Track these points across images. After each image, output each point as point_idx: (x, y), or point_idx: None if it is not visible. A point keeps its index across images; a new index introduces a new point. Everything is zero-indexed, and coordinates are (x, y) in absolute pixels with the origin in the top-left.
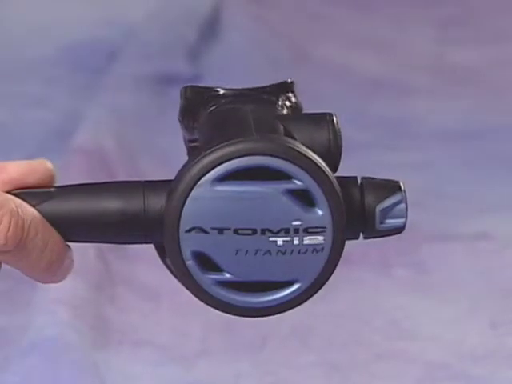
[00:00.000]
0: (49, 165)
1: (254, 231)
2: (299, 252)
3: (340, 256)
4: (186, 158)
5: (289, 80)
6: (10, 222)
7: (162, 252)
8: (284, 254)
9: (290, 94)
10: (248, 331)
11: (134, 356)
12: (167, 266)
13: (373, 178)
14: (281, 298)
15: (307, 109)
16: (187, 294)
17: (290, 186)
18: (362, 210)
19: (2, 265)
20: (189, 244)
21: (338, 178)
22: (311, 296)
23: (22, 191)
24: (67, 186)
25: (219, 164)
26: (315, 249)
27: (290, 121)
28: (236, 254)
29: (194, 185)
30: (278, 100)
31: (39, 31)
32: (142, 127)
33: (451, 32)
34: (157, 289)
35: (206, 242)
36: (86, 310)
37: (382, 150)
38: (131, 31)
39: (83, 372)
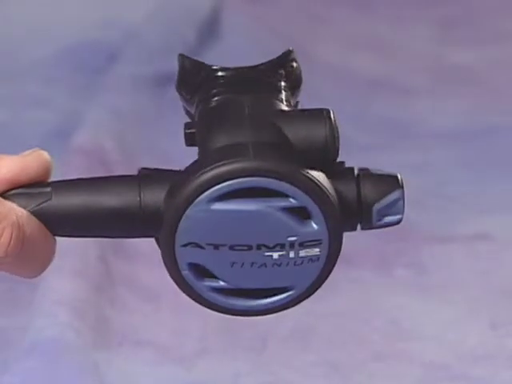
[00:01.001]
0: (43, 157)
1: (250, 247)
2: (295, 263)
3: (336, 262)
4: (185, 160)
5: (290, 48)
6: (11, 236)
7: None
8: (279, 265)
9: (291, 64)
10: (248, 331)
11: (135, 356)
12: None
13: (371, 172)
14: (276, 301)
15: (307, 107)
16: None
17: (286, 203)
18: (358, 209)
19: None
20: (184, 257)
21: (334, 172)
22: (306, 299)
23: (17, 192)
24: (62, 182)
25: (215, 185)
26: (311, 259)
27: (287, 117)
28: (232, 266)
29: (190, 204)
30: (278, 79)
31: (39, 32)
32: (142, 128)
33: (451, 32)
34: (157, 289)
35: (201, 256)
36: (86, 311)
37: (382, 151)
38: (131, 32)
39: (83, 373)
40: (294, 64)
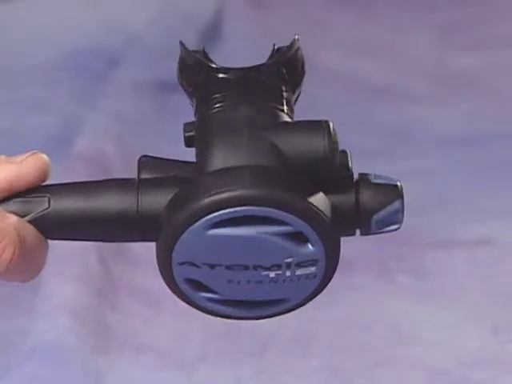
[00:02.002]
0: (40, 161)
1: (246, 267)
2: (291, 280)
3: (333, 275)
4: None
5: (296, 37)
6: (13, 253)
7: None
8: (276, 282)
9: (294, 58)
10: (249, 337)
11: (135, 361)
12: None
13: (371, 182)
14: (272, 310)
15: (308, 115)
16: None
17: (283, 229)
18: (357, 219)
19: None
20: (181, 273)
21: (333, 183)
22: (303, 306)
23: (15, 201)
24: (60, 187)
25: (210, 213)
26: (307, 277)
27: (286, 129)
28: (228, 282)
29: (185, 230)
30: (279, 80)
31: (40, 37)
32: (144, 133)
33: (452, 38)
34: (158, 294)
35: (198, 273)
36: (86, 316)
37: (383, 156)
38: (132, 37)
39: (84, 377)
40: (298, 57)
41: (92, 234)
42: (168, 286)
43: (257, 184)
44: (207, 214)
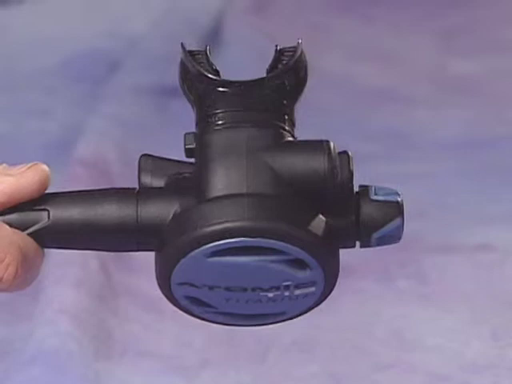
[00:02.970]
0: (40, 173)
1: (245, 289)
2: (290, 299)
3: (332, 291)
4: None
5: (299, 41)
6: (16, 271)
7: None
8: (275, 301)
9: (297, 67)
10: (250, 342)
11: (136, 367)
12: None
13: (371, 199)
14: (269, 321)
15: (308, 119)
16: None
17: (282, 257)
18: (357, 236)
19: None
20: (181, 291)
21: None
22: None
23: (15, 215)
24: (59, 199)
25: (209, 242)
26: (306, 295)
27: (287, 150)
28: (227, 301)
29: (184, 256)
30: (284, 91)
31: (41, 41)
32: (144, 138)
33: (453, 43)
34: (158, 300)
35: (197, 292)
36: (88, 321)
37: (384, 161)
38: (133, 42)
39: (85, 383)
40: (302, 63)
41: (91, 245)
42: (166, 297)
43: (256, 215)
44: (206, 244)
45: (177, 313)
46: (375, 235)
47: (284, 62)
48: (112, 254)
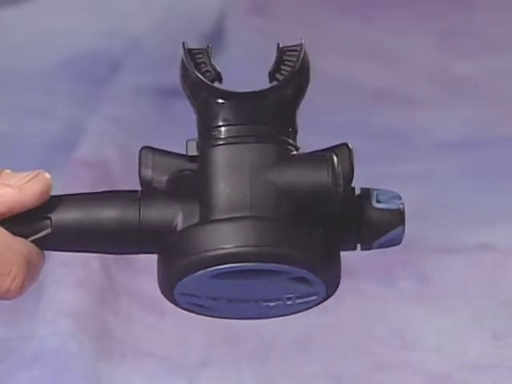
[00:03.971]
0: (41, 185)
1: (247, 301)
2: (291, 305)
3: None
4: None
5: (302, 41)
6: (23, 282)
7: None
8: (276, 308)
9: (302, 69)
10: (250, 342)
11: (137, 367)
12: None
13: (374, 207)
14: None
15: (309, 119)
16: None
17: (284, 276)
18: (358, 241)
19: None
20: (183, 299)
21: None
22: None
23: (15, 222)
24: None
25: (212, 266)
26: (307, 303)
27: (290, 164)
28: (229, 309)
29: (187, 276)
30: (287, 99)
31: (42, 42)
32: (146, 138)
33: (453, 43)
34: (160, 300)
35: (199, 301)
36: (89, 322)
37: (384, 161)
38: (134, 42)
39: (86, 383)
40: (305, 66)
41: (92, 248)
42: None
43: (258, 241)
44: (208, 267)
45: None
46: (377, 242)
47: (287, 64)
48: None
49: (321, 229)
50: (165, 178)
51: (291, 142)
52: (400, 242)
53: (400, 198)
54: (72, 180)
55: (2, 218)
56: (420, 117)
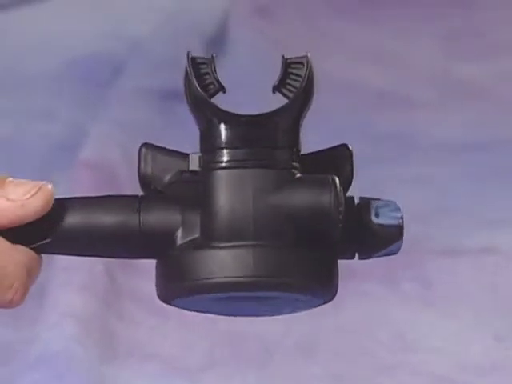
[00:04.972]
0: (44, 199)
1: (247, 314)
2: (290, 312)
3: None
4: None
5: (307, 53)
6: (24, 293)
7: None
8: (276, 311)
9: (308, 88)
10: (254, 345)
11: (141, 370)
12: None
13: (373, 222)
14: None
15: (311, 122)
16: None
17: (283, 298)
18: (357, 253)
19: None
20: (180, 305)
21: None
22: None
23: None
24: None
25: (212, 293)
26: (305, 307)
27: (293, 189)
28: (228, 313)
29: (186, 297)
30: (291, 119)
31: (44, 44)
32: (148, 141)
33: (456, 46)
34: (163, 303)
35: (198, 310)
36: (92, 325)
37: (386, 163)
38: (137, 45)
39: None
40: (310, 83)
41: (93, 253)
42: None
43: (259, 271)
44: (208, 294)
45: (181, 316)
46: (375, 254)
47: (293, 78)
48: None
49: (320, 253)
50: (165, 177)
51: (295, 164)
52: (398, 252)
53: (399, 211)
54: (75, 182)
55: (1, 229)
56: (422, 119)
